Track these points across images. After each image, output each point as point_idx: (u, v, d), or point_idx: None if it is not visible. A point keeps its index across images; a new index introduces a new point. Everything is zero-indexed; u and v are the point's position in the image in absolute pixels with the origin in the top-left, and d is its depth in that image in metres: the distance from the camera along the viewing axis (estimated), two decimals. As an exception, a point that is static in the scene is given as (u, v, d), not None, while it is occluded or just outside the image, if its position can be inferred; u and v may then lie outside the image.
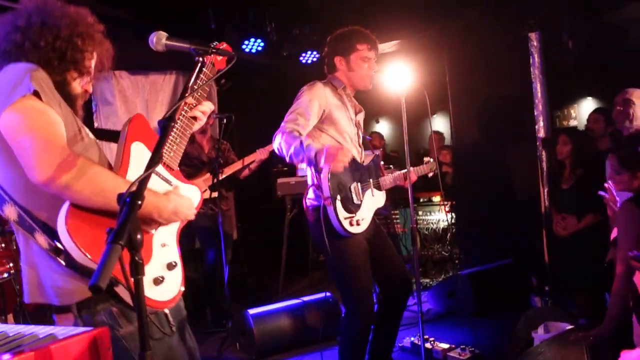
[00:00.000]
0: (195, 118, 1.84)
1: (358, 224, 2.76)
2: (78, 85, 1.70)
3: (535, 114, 4.78)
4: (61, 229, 1.41)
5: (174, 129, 1.74)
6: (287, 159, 2.59)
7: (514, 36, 4.84)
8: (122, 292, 1.50)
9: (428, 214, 6.25)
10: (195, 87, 1.77)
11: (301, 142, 2.49)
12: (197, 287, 5.16)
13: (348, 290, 2.81)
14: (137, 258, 1.10)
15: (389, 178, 3.04)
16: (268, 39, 5.15)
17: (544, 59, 4.73)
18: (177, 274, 1.65)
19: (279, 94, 6.61)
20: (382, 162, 3.20)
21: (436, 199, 6.18)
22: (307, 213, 2.85)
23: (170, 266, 1.63)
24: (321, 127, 2.80)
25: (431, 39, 5.54)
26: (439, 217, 6.15)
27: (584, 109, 7.50)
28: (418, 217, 6.21)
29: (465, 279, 4.61)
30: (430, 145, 6.93)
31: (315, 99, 2.72)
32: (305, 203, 2.85)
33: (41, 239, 1.49)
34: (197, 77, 1.69)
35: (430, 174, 3.34)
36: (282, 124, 2.67)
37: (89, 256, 1.40)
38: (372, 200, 2.92)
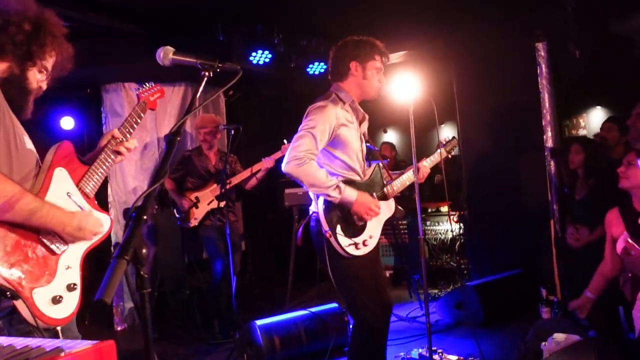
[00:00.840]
0: (119, 152, 1.96)
1: (365, 245, 2.73)
2: (34, 81, 1.80)
3: (544, 123, 4.75)
4: None
5: (98, 160, 1.90)
6: (305, 187, 2.65)
7: (521, 46, 4.83)
8: (21, 308, 1.54)
9: (436, 224, 6.22)
10: (126, 123, 1.96)
11: (336, 186, 2.61)
12: (205, 297, 5.17)
13: (355, 300, 2.78)
14: (142, 272, 1.11)
15: (397, 183, 2.97)
16: (276, 50, 5.19)
17: (551, 68, 4.72)
18: (75, 296, 1.71)
19: (286, 105, 6.66)
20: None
21: (444, 209, 6.15)
22: (311, 221, 2.83)
23: (70, 287, 1.70)
24: (331, 151, 2.76)
25: (438, 50, 5.56)
26: (447, 227, 6.13)
27: (594, 118, 7.46)
28: (426, 228, 6.19)
29: (474, 289, 4.58)
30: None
31: (327, 123, 2.67)
32: (310, 214, 2.85)
33: None
34: (203, 91, 1.72)
35: (452, 153, 3.36)
36: (292, 149, 2.62)
37: None
38: (379, 214, 2.87)
